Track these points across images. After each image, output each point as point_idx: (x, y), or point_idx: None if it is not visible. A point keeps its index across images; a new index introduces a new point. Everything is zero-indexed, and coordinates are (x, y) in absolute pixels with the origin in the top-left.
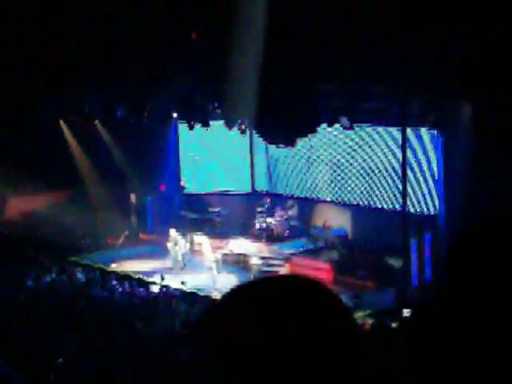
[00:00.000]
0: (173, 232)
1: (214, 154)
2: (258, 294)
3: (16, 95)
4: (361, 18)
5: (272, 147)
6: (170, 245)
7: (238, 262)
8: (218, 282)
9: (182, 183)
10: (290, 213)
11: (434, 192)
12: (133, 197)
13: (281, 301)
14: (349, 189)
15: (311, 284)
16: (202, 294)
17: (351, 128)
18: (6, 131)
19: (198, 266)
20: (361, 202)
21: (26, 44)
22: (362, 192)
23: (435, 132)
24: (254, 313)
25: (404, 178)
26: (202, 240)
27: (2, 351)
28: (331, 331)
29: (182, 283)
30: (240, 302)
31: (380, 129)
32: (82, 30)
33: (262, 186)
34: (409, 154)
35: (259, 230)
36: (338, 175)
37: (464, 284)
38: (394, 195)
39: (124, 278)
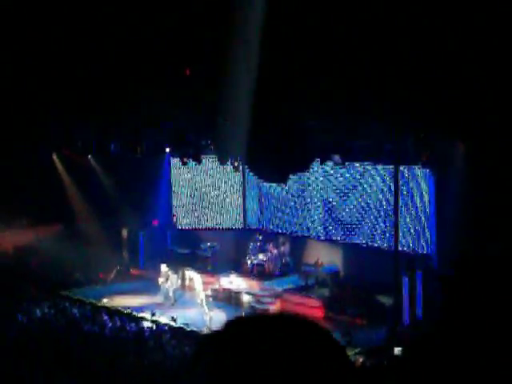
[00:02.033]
0: (164, 267)
1: (206, 190)
2: (251, 331)
3: (9, 128)
4: (354, 55)
5: (265, 184)
6: (161, 280)
7: (229, 299)
8: (209, 318)
9: (174, 218)
10: (281, 249)
11: (426, 230)
12: (125, 232)
13: (276, 339)
14: (341, 226)
15: (306, 323)
16: (193, 329)
17: (343, 165)
18: None
19: (189, 302)
20: (353, 240)
21: (20, 77)
22: (353, 230)
23: (428, 170)
24: (246, 351)
25: (396, 216)
26: (193, 276)
27: None
28: (326, 370)
29: (173, 319)
30: (234, 339)
31: (372, 166)
32: (76, 66)
33: (254, 222)
34: (401, 191)
35: (251, 266)
36: (331, 213)
37: (454, 324)
38: (386, 233)
39: (115, 313)
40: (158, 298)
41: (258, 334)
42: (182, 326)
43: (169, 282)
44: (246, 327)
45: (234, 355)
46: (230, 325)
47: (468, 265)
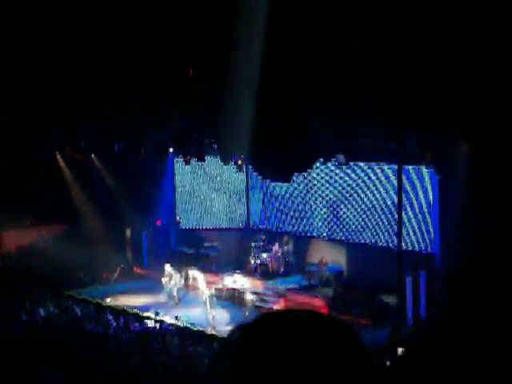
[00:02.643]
0: (168, 267)
1: (209, 189)
2: (276, 329)
3: (12, 128)
4: (357, 54)
5: (268, 182)
6: (164, 280)
7: (233, 298)
8: (212, 318)
9: (178, 218)
10: (285, 249)
11: (430, 230)
12: (128, 231)
13: (301, 339)
14: (345, 226)
15: (331, 321)
16: (196, 329)
17: (347, 165)
18: (1, 164)
19: (193, 301)
20: (356, 240)
21: (24, 78)
22: (357, 229)
23: (432, 170)
24: (272, 349)
25: (399, 216)
26: (196, 275)
27: None
28: (349, 366)
29: (176, 318)
30: (260, 336)
31: (376, 166)
32: (80, 65)
33: (257, 221)
34: (405, 191)
35: (254, 265)
36: (334, 212)
37: (460, 324)
38: (390, 232)
39: (118, 312)
40: (162, 298)
41: (287, 333)
42: (185, 325)
43: (172, 282)
44: (274, 327)
45: (261, 355)
46: (256, 324)
47: (477, 264)
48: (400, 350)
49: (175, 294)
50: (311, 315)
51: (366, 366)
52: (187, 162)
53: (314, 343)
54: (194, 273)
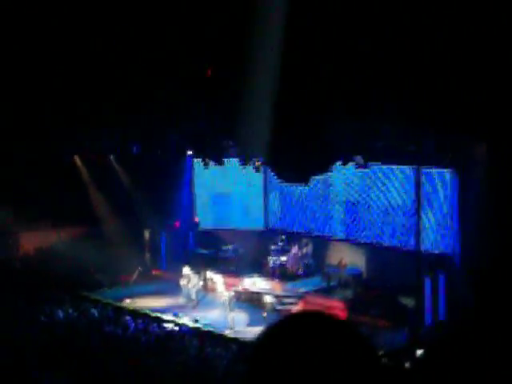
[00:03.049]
0: (186, 269)
1: (228, 191)
2: (289, 333)
3: (31, 131)
4: (376, 57)
5: (286, 185)
6: (183, 282)
7: (252, 300)
8: (231, 320)
9: (196, 220)
10: (304, 251)
11: (449, 231)
12: (147, 233)
13: (314, 341)
14: (364, 227)
15: (338, 322)
16: (215, 331)
17: (366, 166)
18: (21, 167)
19: (211, 304)
20: (375, 241)
21: (44, 80)
22: (376, 231)
23: (450, 171)
24: (287, 354)
25: (418, 217)
26: (215, 277)
27: None
28: (359, 368)
29: (195, 320)
30: (272, 343)
31: (395, 167)
32: (99, 67)
33: (276, 223)
34: (423, 192)
35: (273, 267)
36: (353, 214)
37: (477, 325)
38: (409, 234)
39: (137, 314)
40: (181, 300)
41: (296, 337)
42: (204, 327)
43: (191, 284)
44: (289, 331)
45: (275, 361)
46: (270, 331)
47: (505, 264)
48: (419, 351)
49: (194, 296)
50: (326, 319)
51: (377, 369)
52: (206, 164)
53: (327, 348)
54: (212, 275)
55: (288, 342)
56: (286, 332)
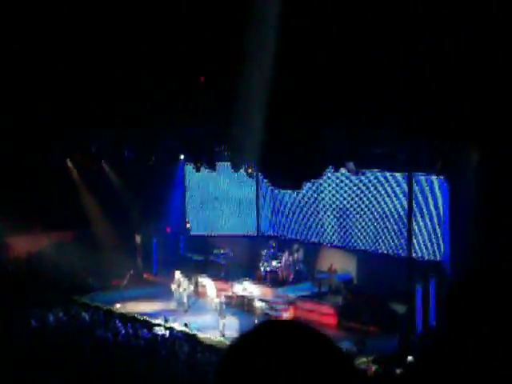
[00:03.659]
0: (177, 274)
1: (219, 196)
2: (260, 342)
3: (23, 134)
4: (368, 63)
5: (278, 190)
6: (174, 286)
7: (242, 305)
8: (222, 325)
9: (188, 225)
10: (295, 256)
11: (440, 238)
12: (138, 238)
13: (282, 351)
14: (355, 234)
15: (311, 332)
16: (205, 336)
17: (357, 173)
18: (12, 170)
19: (202, 308)
20: (366, 247)
21: (36, 84)
22: (367, 237)
23: (442, 178)
24: (257, 362)
25: (409, 224)
26: (206, 282)
27: None
28: (332, 379)
29: (186, 325)
30: (241, 353)
31: (386, 174)
32: (91, 71)
33: (267, 229)
34: (415, 199)
35: (264, 273)
36: (344, 220)
37: (466, 331)
38: (400, 240)
39: (128, 318)
40: (172, 304)
41: (264, 347)
42: (194, 332)
43: (182, 288)
44: (258, 340)
45: (244, 371)
46: (240, 339)
47: (480, 275)
48: (409, 357)
49: (185, 300)
50: (299, 328)
51: (348, 378)
52: (198, 169)
53: (296, 356)
54: (203, 280)
55: (259, 349)
56: (258, 339)
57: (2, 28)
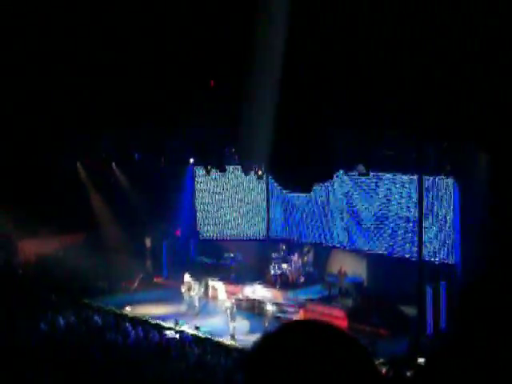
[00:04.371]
0: (187, 277)
1: (229, 199)
2: (284, 342)
3: (33, 137)
4: (379, 66)
5: (288, 193)
6: (183, 289)
7: (253, 308)
8: (232, 328)
9: (198, 228)
10: (305, 259)
11: (450, 240)
12: (148, 241)
13: (309, 349)
14: (365, 236)
15: (335, 331)
16: (216, 339)
17: (367, 175)
18: (23, 173)
19: (213, 311)
20: (376, 250)
21: (47, 89)
22: (377, 239)
23: (452, 180)
24: (281, 364)
25: (420, 226)
26: (216, 285)
27: None
28: (354, 378)
29: (196, 328)
30: (265, 353)
31: (397, 176)
32: (101, 75)
33: (277, 231)
34: (425, 201)
35: (274, 276)
36: (354, 222)
37: (478, 334)
38: (410, 243)
39: (138, 321)
40: (182, 307)
41: (289, 346)
42: (205, 335)
43: (193, 292)
44: (282, 341)
45: (268, 371)
46: (263, 341)
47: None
48: (420, 360)
49: (196, 304)
50: (322, 328)
51: (374, 378)
52: (208, 172)
53: (323, 356)
54: (214, 283)
55: (283, 350)
56: (282, 340)
57: (18, 30)
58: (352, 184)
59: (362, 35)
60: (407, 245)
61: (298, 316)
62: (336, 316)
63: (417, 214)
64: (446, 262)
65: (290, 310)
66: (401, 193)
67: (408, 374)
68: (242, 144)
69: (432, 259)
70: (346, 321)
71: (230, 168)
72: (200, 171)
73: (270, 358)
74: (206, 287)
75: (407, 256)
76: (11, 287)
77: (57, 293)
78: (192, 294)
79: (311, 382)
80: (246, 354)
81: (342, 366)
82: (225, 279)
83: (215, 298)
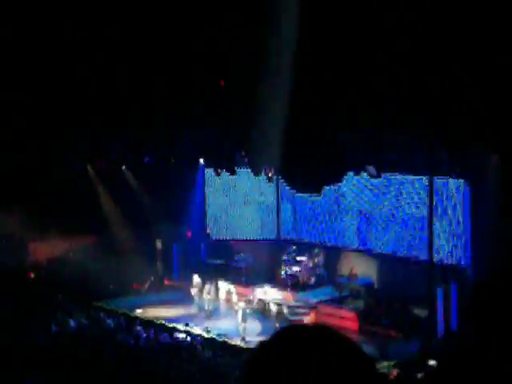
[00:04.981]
0: (196, 278)
1: (240, 201)
2: (283, 346)
3: (44, 140)
4: (389, 68)
5: (299, 194)
6: (193, 291)
7: (263, 310)
8: (243, 330)
9: (208, 230)
10: (316, 261)
11: (461, 242)
12: (159, 243)
13: (308, 354)
14: (375, 238)
15: (335, 336)
16: (227, 341)
17: (378, 176)
18: (33, 175)
19: (223, 313)
20: (387, 251)
21: (56, 91)
22: (388, 241)
23: (463, 182)
24: (282, 367)
25: (430, 228)
26: (227, 287)
27: None
28: (355, 382)
29: (207, 330)
30: (265, 357)
31: (407, 178)
32: (111, 78)
33: (288, 233)
34: (436, 202)
35: (285, 277)
36: (365, 224)
37: (488, 336)
38: (421, 244)
39: (149, 323)
40: (192, 309)
41: (289, 351)
42: (215, 337)
43: (205, 294)
44: (281, 345)
45: (268, 374)
46: (263, 344)
47: (507, 277)
48: (431, 362)
49: (207, 306)
50: (325, 332)
51: (373, 382)
52: (218, 174)
53: (320, 361)
54: (224, 285)
55: (285, 351)
56: (285, 341)
57: (29, 33)
58: (362, 185)
59: (373, 38)
60: (418, 246)
61: (309, 318)
62: (347, 318)
63: (427, 216)
64: (457, 263)
65: (301, 311)
66: (412, 194)
67: (419, 375)
68: (252, 145)
69: (443, 260)
70: (356, 322)
71: (241, 170)
72: (210, 173)
73: (267, 363)
74: (217, 289)
75: (418, 257)
76: (22, 289)
77: (68, 295)
78: (204, 296)
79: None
80: (245, 360)
81: (338, 371)
82: (235, 281)
83: (226, 300)
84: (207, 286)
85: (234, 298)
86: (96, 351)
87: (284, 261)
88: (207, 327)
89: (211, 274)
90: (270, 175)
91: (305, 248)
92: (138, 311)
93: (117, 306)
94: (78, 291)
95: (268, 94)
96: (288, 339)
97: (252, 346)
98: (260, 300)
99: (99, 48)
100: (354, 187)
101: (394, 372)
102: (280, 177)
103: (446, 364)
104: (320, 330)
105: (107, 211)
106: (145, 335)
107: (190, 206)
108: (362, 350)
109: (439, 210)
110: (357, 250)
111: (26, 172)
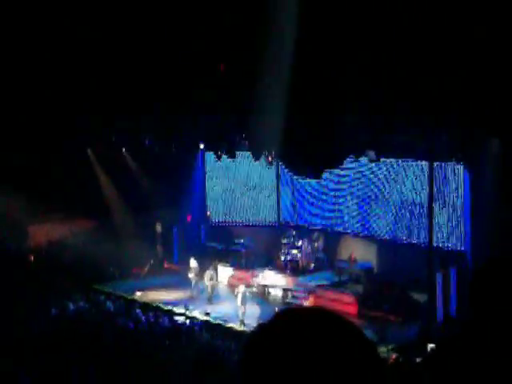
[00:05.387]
0: (193, 261)
1: (240, 185)
2: (282, 329)
3: (44, 124)
4: (390, 53)
5: (298, 179)
6: (191, 275)
7: (263, 294)
8: (242, 313)
9: (208, 213)
10: (315, 245)
11: (460, 227)
12: (159, 226)
13: (307, 337)
14: (375, 222)
15: (336, 319)
16: (226, 324)
17: (378, 161)
18: (33, 159)
19: (222, 297)
20: (387, 236)
21: (56, 74)
22: (388, 226)
23: (463, 167)
24: (281, 350)
25: (430, 213)
26: (226, 271)
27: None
28: (356, 365)
29: (206, 314)
30: (263, 340)
31: (407, 162)
32: (112, 62)
33: (287, 217)
34: (435, 187)
35: (284, 261)
36: (365, 208)
37: (488, 320)
38: (420, 229)
39: (148, 307)
40: (191, 292)
41: (289, 333)
42: (215, 320)
43: (206, 279)
44: (280, 328)
45: (268, 356)
46: (262, 327)
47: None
48: (430, 346)
49: (209, 290)
50: (324, 315)
51: (374, 363)
52: (218, 158)
53: (320, 343)
54: (223, 269)
55: (283, 335)
56: (282, 325)
57: (36, 21)
58: (362, 170)
59: (372, 23)
60: (417, 231)
61: (309, 302)
62: (346, 302)
63: (427, 200)
64: (456, 248)
65: (300, 295)
66: (412, 179)
67: (418, 360)
68: (252, 130)
69: (442, 245)
70: (356, 307)
71: (241, 154)
72: (211, 156)
73: (265, 346)
74: (216, 273)
75: (418, 242)
76: (22, 272)
77: (67, 278)
78: (206, 281)
79: (305, 371)
80: (243, 343)
81: (338, 354)
82: (235, 265)
83: (225, 283)
84: (208, 272)
85: (234, 281)
86: (95, 334)
87: (284, 245)
88: (207, 311)
89: (211, 258)
90: (270, 159)
91: (304, 232)
92: (138, 294)
93: (116, 290)
94: (78, 274)
95: (268, 78)
96: (287, 322)
97: (251, 329)
98: (259, 284)
99: (99, 32)
100: (354, 171)
101: (393, 356)
102: (280, 161)
103: (444, 348)
104: (320, 313)
105: (107, 195)
106: (144, 318)
107: (190, 190)
108: (362, 332)
109: (439, 194)
110: (356, 235)
111: (25, 155)
